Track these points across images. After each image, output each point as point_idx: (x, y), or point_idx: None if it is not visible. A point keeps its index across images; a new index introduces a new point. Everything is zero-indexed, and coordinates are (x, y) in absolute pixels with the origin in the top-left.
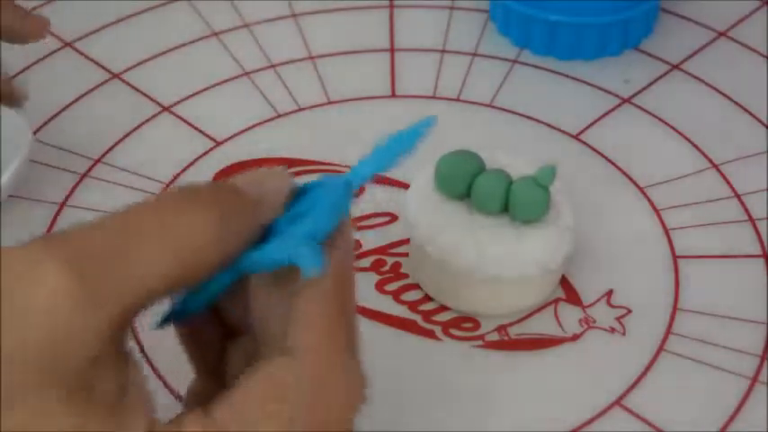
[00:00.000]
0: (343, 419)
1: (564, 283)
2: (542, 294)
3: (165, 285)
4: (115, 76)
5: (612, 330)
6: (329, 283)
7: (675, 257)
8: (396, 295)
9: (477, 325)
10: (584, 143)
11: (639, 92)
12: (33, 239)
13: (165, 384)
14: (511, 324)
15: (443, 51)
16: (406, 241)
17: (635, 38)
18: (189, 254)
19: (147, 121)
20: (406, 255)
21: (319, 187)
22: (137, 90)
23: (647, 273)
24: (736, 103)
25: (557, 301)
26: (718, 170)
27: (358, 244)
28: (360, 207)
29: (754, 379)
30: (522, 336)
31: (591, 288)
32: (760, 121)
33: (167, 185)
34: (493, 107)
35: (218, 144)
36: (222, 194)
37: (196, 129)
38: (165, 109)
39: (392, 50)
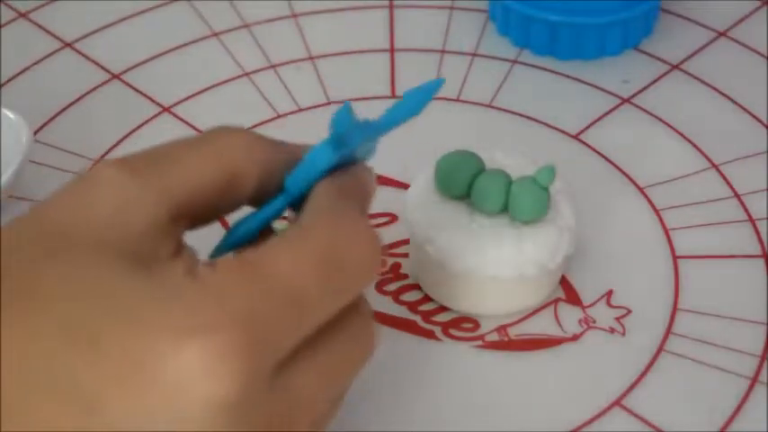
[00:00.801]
0: (360, 277)
1: (564, 283)
2: (542, 294)
3: (210, 184)
4: (115, 76)
5: (612, 330)
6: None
7: (675, 257)
8: (396, 295)
9: (477, 325)
10: (584, 143)
11: (639, 92)
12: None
13: None
14: (511, 324)
15: (443, 51)
16: (406, 241)
17: (635, 38)
18: (228, 159)
19: (147, 121)
20: (406, 255)
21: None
22: (137, 90)
23: (647, 273)
24: (736, 103)
25: (557, 301)
26: (718, 170)
27: None
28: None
29: (754, 379)
30: (522, 336)
31: (591, 288)
32: (760, 121)
33: None
34: (493, 107)
35: None
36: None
37: (196, 129)
38: (165, 109)
39: (392, 50)
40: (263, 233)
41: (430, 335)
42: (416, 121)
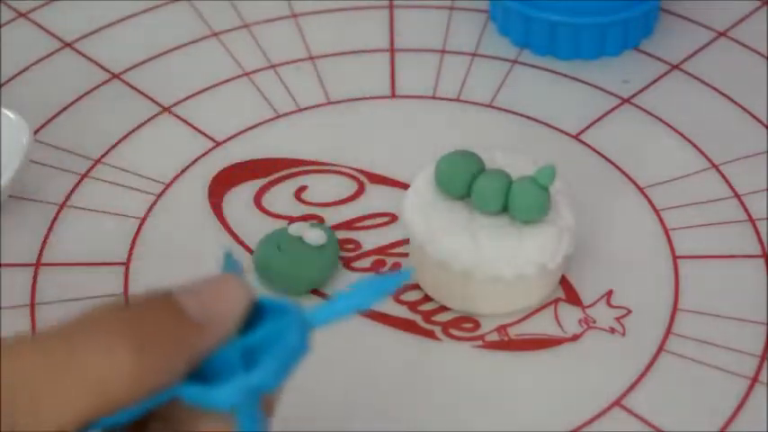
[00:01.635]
0: None
1: (564, 283)
2: (542, 294)
3: (83, 419)
4: (115, 76)
5: (612, 331)
6: None
7: (675, 257)
8: (396, 295)
9: (477, 325)
10: (585, 143)
11: (639, 92)
12: None
13: None
14: (511, 324)
15: (443, 51)
16: (406, 241)
17: (635, 38)
18: (103, 391)
19: (147, 121)
20: (406, 255)
21: (280, 314)
22: (137, 90)
23: (647, 273)
24: (736, 103)
25: (557, 301)
26: (718, 170)
27: (358, 244)
28: (360, 207)
29: (754, 379)
30: (522, 336)
31: (591, 288)
32: (760, 121)
33: (167, 186)
34: (493, 107)
35: (218, 144)
36: (148, 320)
37: (196, 129)
38: (165, 109)
39: (392, 50)
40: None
41: (430, 335)
42: (416, 121)
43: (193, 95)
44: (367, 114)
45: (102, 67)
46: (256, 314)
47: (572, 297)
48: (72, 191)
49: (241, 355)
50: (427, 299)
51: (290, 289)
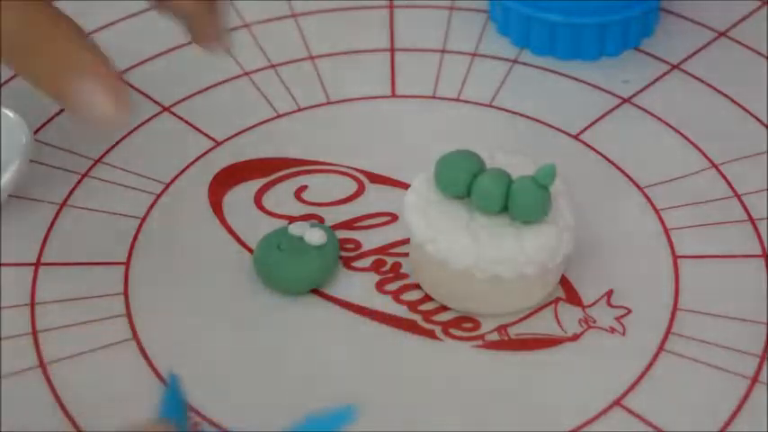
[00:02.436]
0: None
1: (564, 283)
2: (542, 294)
3: None
4: None
5: (612, 330)
6: None
7: (675, 257)
8: (396, 295)
9: (477, 325)
10: (585, 143)
11: (639, 92)
12: None
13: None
14: (511, 324)
15: (443, 51)
16: (406, 241)
17: (635, 38)
18: None
19: (147, 120)
20: (406, 255)
21: None
22: (137, 90)
23: (647, 273)
24: (736, 103)
25: (557, 301)
26: (719, 170)
27: (358, 244)
28: (360, 207)
29: (754, 379)
30: (522, 336)
31: (591, 288)
32: (760, 121)
33: (167, 185)
34: (493, 107)
35: (218, 144)
36: None
37: (196, 129)
38: (165, 109)
39: (392, 50)
40: None
41: (430, 334)
42: (416, 121)
43: (193, 95)
44: (367, 114)
45: None
46: None
47: (572, 297)
48: (72, 191)
49: None
50: (427, 299)
51: (290, 289)
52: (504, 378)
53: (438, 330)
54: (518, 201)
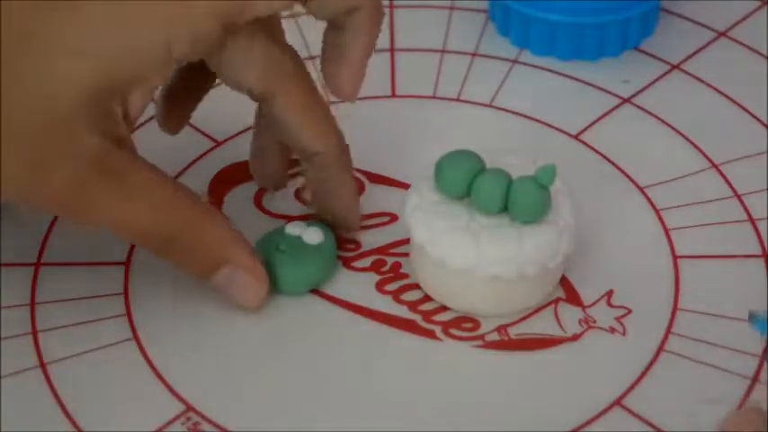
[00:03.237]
0: None
1: (564, 283)
2: (542, 294)
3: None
4: None
5: (612, 330)
6: None
7: (675, 257)
8: (396, 295)
9: (477, 325)
10: (585, 143)
11: (639, 92)
12: None
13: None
14: (511, 324)
15: (443, 51)
16: (406, 241)
17: (635, 38)
18: None
19: (147, 121)
20: (406, 255)
21: None
22: None
23: (647, 273)
24: (736, 103)
25: (557, 301)
26: (719, 170)
27: (358, 244)
28: (360, 207)
29: (754, 379)
30: (522, 336)
31: (591, 288)
32: (760, 121)
33: None
34: (493, 107)
35: (218, 144)
36: None
37: (196, 129)
38: None
39: (392, 50)
40: None
41: (430, 335)
42: (416, 121)
43: None
44: (367, 114)
45: None
46: None
47: (572, 297)
48: None
49: None
50: (427, 299)
51: (290, 289)
52: (504, 378)
53: (438, 330)
54: (518, 201)
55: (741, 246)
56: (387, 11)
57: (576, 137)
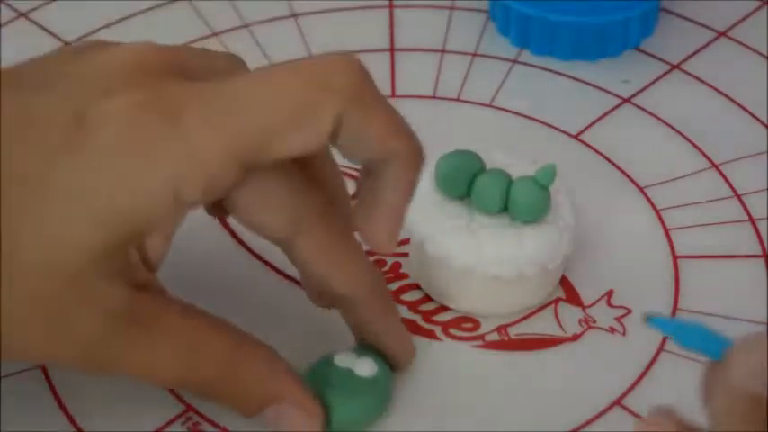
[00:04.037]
0: None
1: (564, 283)
2: (542, 294)
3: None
4: None
5: (612, 330)
6: None
7: (675, 257)
8: (396, 295)
9: (477, 325)
10: (585, 143)
11: (639, 92)
12: None
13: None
14: (511, 324)
15: (443, 51)
16: (406, 241)
17: (635, 38)
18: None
19: None
20: (406, 255)
21: None
22: None
23: (647, 273)
24: (736, 103)
25: (557, 301)
26: (719, 170)
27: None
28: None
29: None
30: (522, 336)
31: (591, 288)
32: (760, 121)
33: None
34: (493, 107)
35: None
36: None
37: None
38: None
39: (392, 50)
40: None
41: (430, 335)
42: (416, 121)
43: None
44: None
45: None
46: None
47: (572, 297)
48: None
49: None
50: (427, 299)
51: (345, 429)
52: (503, 378)
53: (438, 330)
54: (518, 201)
55: (741, 246)
56: (387, 11)
57: (576, 137)
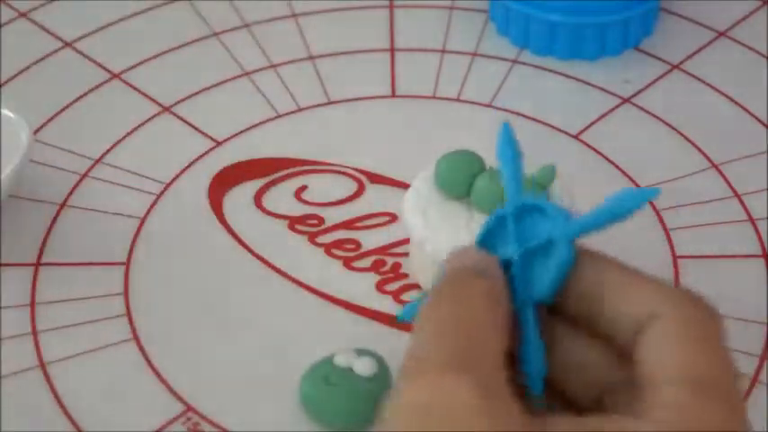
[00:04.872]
0: None
1: None
2: None
3: None
4: (115, 76)
5: None
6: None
7: (675, 257)
8: (396, 295)
9: None
10: (585, 143)
11: (639, 92)
12: None
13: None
14: None
15: (443, 51)
16: (406, 241)
17: (635, 38)
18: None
19: (147, 121)
20: (406, 255)
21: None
22: (137, 90)
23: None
24: (736, 103)
25: None
26: (719, 170)
27: (358, 244)
28: (360, 207)
29: (754, 379)
30: None
31: None
32: (760, 121)
33: (167, 185)
34: (493, 107)
35: (218, 144)
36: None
37: (196, 129)
38: (166, 109)
39: (392, 50)
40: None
41: None
42: (416, 121)
43: (193, 95)
44: (367, 114)
45: (102, 67)
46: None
47: None
48: (72, 191)
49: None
50: None
51: (345, 426)
52: None
53: None
54: None
55: (741, 246)
56: (387, 11)
57: (576, 137)
